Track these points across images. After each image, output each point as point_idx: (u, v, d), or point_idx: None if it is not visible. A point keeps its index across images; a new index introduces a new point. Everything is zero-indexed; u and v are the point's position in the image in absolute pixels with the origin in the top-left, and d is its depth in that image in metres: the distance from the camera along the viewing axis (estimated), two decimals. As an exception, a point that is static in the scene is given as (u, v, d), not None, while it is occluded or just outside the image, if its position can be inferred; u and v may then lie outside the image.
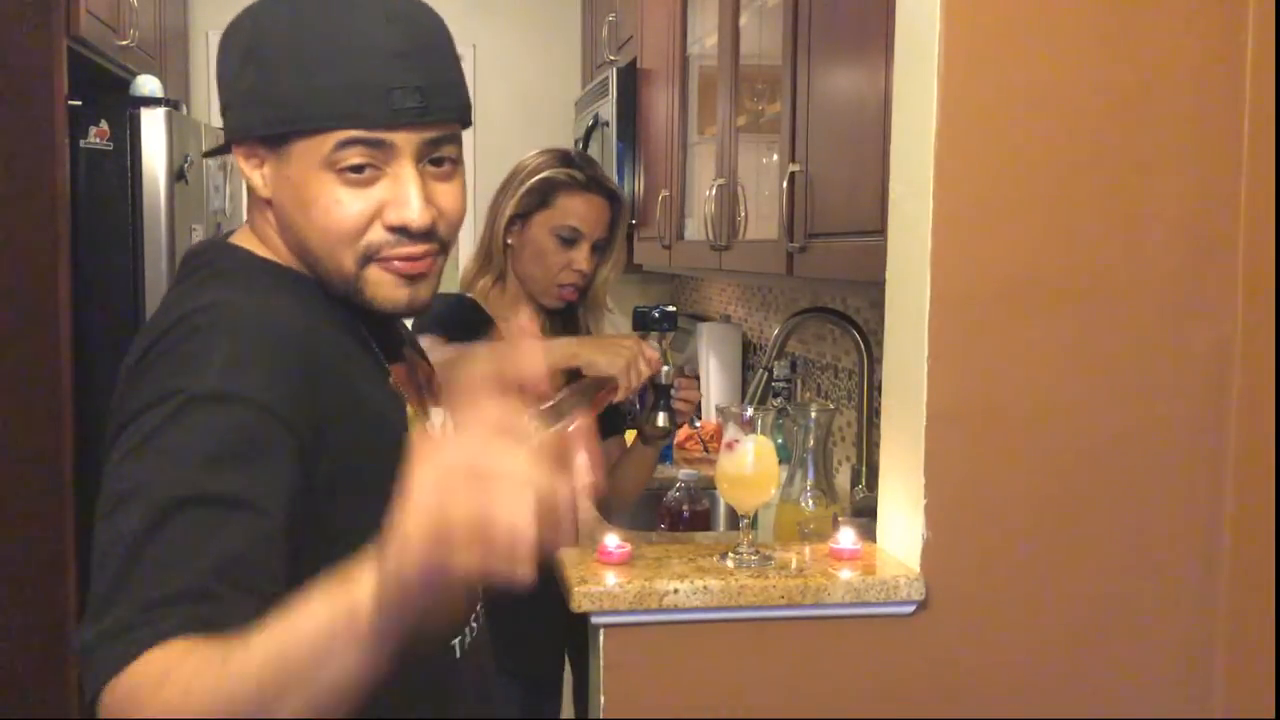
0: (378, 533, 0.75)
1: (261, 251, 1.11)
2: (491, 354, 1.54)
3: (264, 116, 1.03)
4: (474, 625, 1.17)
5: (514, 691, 1.92)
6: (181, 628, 0.82)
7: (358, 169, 1.03)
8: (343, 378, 1.04)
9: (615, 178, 3.49)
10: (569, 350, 1.78)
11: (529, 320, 2.03)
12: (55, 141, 3.01)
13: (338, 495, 0.98)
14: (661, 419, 1.96)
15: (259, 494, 0.90)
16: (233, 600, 0.85)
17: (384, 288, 1.08)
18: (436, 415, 1.16)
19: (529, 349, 0.96)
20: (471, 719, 1.16)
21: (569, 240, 1.99)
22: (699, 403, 1.95)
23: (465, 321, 1.93)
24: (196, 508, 0.88)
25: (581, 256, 2.00)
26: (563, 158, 2.05)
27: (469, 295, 2.05)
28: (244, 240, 1.13)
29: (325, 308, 1.08)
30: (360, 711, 0.79)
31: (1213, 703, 1.58)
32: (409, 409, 1.11)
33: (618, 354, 1.76)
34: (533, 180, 2.02)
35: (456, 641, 1.13)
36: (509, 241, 2.03)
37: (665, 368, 1.92)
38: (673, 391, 1.95)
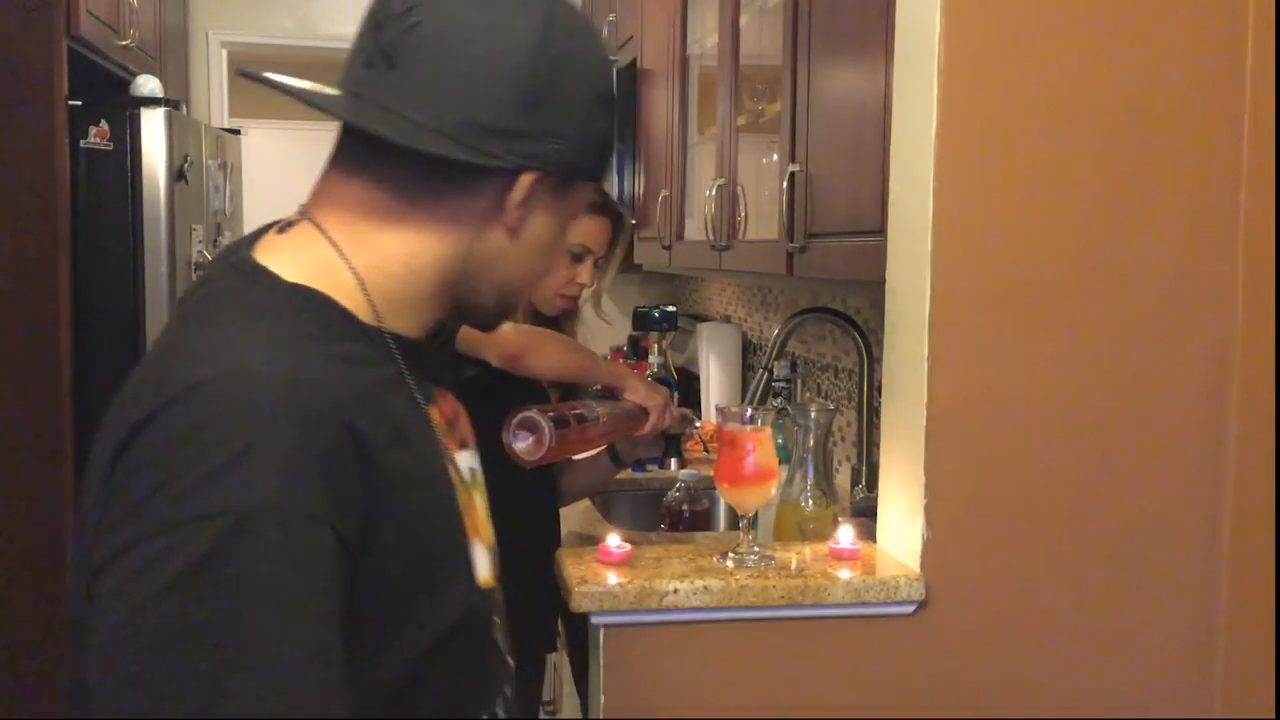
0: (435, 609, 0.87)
1: (308, 279, 0.91)
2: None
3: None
4: (506, 695, 1.04)
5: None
6: None
7: None
8: (394, 455, 0.89)
9: (615, 178, 3.51)
10: (618, 371, 2.03)
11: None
12: (55, 141, 3.02)
13: (387, 586, 0.87)
14: (674, 464, 2.17)
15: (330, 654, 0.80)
16: None
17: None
18: (464, 459, 1.03)
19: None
20: None
21: (578, 257, 2.07)
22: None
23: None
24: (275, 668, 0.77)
25: (585, 271, 2.09)
26: None
27: None
28: (281, 258, 0.92)
29: (372, 352, 0.94)
30: None
31: (1213, 703, 1.58)
32: (451, 473, 1.00)
33: (657, 392, 1.98)
34: None
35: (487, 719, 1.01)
36: None
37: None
38: (682, 440, 2.15)
